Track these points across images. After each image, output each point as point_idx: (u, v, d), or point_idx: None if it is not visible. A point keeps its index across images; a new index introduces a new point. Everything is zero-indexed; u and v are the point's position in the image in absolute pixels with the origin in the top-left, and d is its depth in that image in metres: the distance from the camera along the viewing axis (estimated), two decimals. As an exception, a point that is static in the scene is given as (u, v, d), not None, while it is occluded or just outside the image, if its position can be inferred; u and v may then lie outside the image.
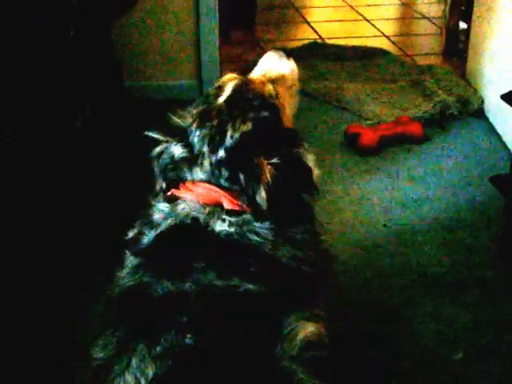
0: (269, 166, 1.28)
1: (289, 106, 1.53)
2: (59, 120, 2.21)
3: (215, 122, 1.31)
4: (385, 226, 2.37)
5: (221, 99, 1.36)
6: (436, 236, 2.32)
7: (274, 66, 1.56)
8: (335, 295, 1.97)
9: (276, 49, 1.61)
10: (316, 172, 1.38)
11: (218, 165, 1.29)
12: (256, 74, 1.55)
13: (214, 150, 1.30)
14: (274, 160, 1.28)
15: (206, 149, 1.30)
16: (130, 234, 1.33)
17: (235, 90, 1.38)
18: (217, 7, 3.18)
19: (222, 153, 1.29)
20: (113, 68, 2.58)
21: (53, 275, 2.01)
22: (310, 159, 1.38)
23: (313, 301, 1.32)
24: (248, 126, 1.30)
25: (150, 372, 1.09)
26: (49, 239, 2.08)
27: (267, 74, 1.53)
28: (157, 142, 1.37)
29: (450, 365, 1.81)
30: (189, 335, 1.11)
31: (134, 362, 1.10)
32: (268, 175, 1.27)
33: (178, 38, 3.21)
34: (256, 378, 1.12)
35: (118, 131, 2.55)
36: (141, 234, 1.30)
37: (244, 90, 1.38)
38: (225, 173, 1.29)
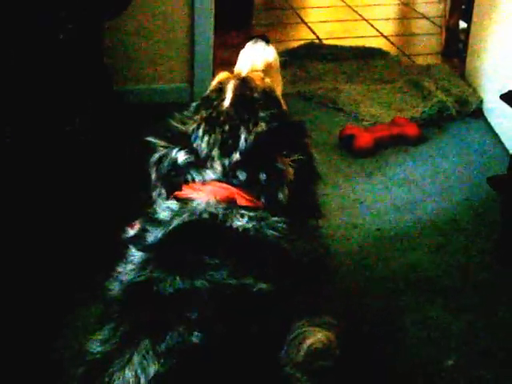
0: (290, 163, 1.29)
1: (279, 92, 1.53)
2: (49, 125, 2.20)
3: (226, 127, 1.30)
4: (378, 229, 2.33)
5: (226, 102, 1.35)
6: (431, 239, 2.29)
7: (257, 56, 1.57)
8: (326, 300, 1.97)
9: (253, 37, 1.62)
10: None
11: (232, 167, 1.28)
12: (243, 67, 1.55)
13: (226, 154, 1.29)
14: (295, 157, 1.29)
15: (216, 153, 1.29)
16: (131, 232, 1.30)
17: (237, 91, 1.37)
18: (213, 9, 3.15)
19: (236, 156, 1.28)
20: (102, 72, 2.56)
21: (52, 275, 2.00)
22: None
23: (321, 302, 1.31)
24: (262, 127, 1.30)
25: (152, 370, 1.07)
26: (48, 239, 2.07)
27: (255, 67, 1.53)
28: (154, 148, 1.35)
29: (442, 371, 1.78)
30: (196, 333, 1.09)
31: (135, 358, 1.08)
32: (291, 173, 1.28)
33: (172, 41, 3.17)
34: (258, 382, 1.10)
35: (109, 135, 2.54)
36: (144, 231, 1.27)
37: (246, 89, 1.38)
38: (241, 174, 1.28)
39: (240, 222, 1.24)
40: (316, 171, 1.39)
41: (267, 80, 1.44)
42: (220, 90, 1.39)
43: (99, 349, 1.13)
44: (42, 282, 1.98)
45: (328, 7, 4.88)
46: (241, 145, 1.28)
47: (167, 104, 3.02)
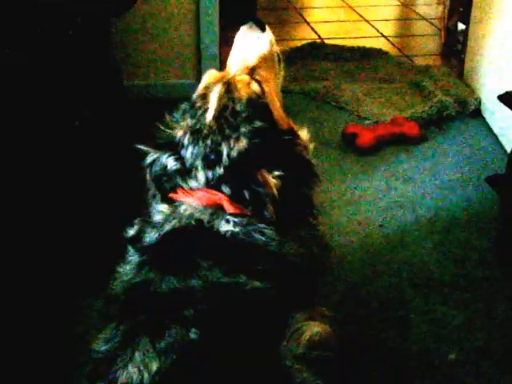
0: (273, 180, 1.28)
1: (276, 84, 1.50)
2: (58, 120, 2.22)
3: (209, 142, 1.31)
4: (381, 226, 2.38)
5: (209, 115, 1.33)
6: (432, 236, 2.32)
7: (251, 47, 1.49)
8: (330, 294, 2.01)
9: (249, 22, 1.53)
10: (311, 146, 1.40)
11: (217, 180, 1.30)
12: (235, 62, 1.49)
13: (210, 167, 1.30)
14: (277, 172, 1.29)
15: (199, 164, 1.31)
16: (131, 232, 1.33)
17: (221, 103, 1.34)
18: (217, 7, 3.19)
19: (220, 170, 1.29)
20: (112, 67, 2.59)
21: (53, 275, 2.02)
22: (305, 137, 1.40)
23: (316, 298, 1.35)
24: (243, 143, 1.30)
25: (154, 366, 1.10)
26: (49, 239, 2.08)
27: (247, 62, 1.47)
28: (146, 153, 1.37)
29: (442, 365, 1.80)
30: (193, 329, 1.12)
31: (137, 355, 1.11)
32: (274, 189, 1.28)
33: (178, 37, 3.23)
34: (259, 375, 1.13)
35: (117, 130, 2.56)
36: (142, 232, 1.31)
37: (230, 99, 1.34)
38: (226, 189, 1.29)
39: (225, 228, 1.26)
40: (312, 175, 1.38)
41: (254, 86, 1.38)
42: (204, 97, 1.37)
43: (103, 347, 1.17)
44: (42, 281, 1.99)
45: (329, 7, 4.92)
46: (224, 160, 1.29)
47: (176, 99, 3.05)
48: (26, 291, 1.96)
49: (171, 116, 1.40)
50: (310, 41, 4.04)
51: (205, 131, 1.32)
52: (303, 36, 4.21)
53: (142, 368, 1.10)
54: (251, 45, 1.50)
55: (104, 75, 2.49)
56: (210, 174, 1.30)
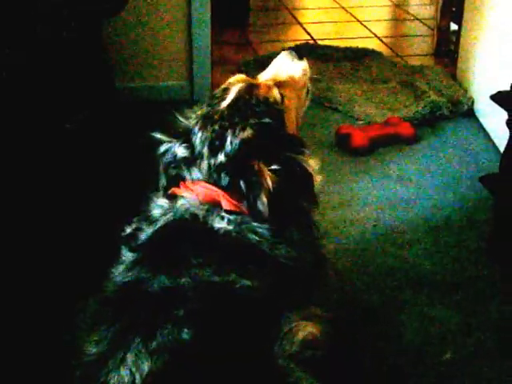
0: (269, 173, 1.30)
1: (297, 108, 1.55)
2: (51, 121, 2.22)
3: (216, 127, 1.33)
4: (375, 226, 2.38)
5: (224, 103, 1.38)
6: (426, 235, 2.33)
7: (284, 67, 1.58)
8: (324, 294, 2.00)
9: (290, 49, 1.63)
10: (319, 178, 1.41)
11: (217, 169, 1.31)
12: (265, 75, 1.56)
13: (213, 154, 1.32)
14: (275, 166, 1.31)
15: (205, 151, 1.33)
16: (127, 231, 1.35)
17: (239, 95, 1.39)
18: (209, 8, 3.19)
19: (221, 157, 1.31)
20: (104, 70, 2.59)
21: (47, 277, 2.01)
22: (313, 165, 1.40)
23: (309, 299, 1.35)
24: (248, 133, 1.32)
25: (146, 367, 1.10)
26: (45, 241, 2.08)
27: (276, 77, 1.54)
28: (161, 142, 1.40)
29: (437, 365, 1.81)
30: (185, 330, 1.12)
31: (129, 356, 1.11)
32: (269, 182, 1.29)
33: (170, 39, 3.22)
34: (252, 375, 1.13)
35: (109, 132, 2.56)
36: (138, 230, 1.32)
37: (248, 94, 1.39)
38: (225, 178, 1.31)
39: (219, 224, 1.27)
40: (311, 190, 1.38)
41: (275, 91, 1.43)
42: (226, 90, 1.42)
43: (94, 350, 1.17)
44: (40, 282, 1.99)
45: (322, 8, 4.93)
46: (226, 147, 1.31)
47: (168, 101, 3.06)
48: (20, 293, 1.96)
49: (191, 108, 1.44)
50: (302, 42, 4.04)
51: (215, 117, 1.35)
52: (296, 37, 4.21)
53: (133, 370, 1.10)
54: (285, 66, 1.58)
55: (96, 77, 2.48)
56: (212, 161, 1.32)
